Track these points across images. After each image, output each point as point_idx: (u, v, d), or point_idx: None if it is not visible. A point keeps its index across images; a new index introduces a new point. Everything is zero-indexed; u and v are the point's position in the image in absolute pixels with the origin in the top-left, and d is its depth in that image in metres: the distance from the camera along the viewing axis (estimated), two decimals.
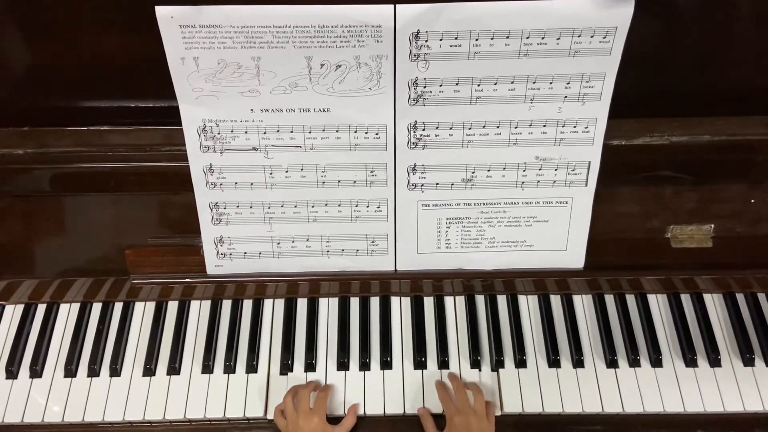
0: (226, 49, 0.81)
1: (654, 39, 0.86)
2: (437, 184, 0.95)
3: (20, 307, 1.09)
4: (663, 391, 1.00)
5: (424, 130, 0.90)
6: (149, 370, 1.03)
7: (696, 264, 1.03)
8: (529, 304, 1.08)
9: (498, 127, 0.90)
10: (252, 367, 1.03)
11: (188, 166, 0.92)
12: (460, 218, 0.98)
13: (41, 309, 1.09)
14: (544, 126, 0.90)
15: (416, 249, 1.01)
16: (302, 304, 1.09)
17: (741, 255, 1.02)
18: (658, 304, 1.08)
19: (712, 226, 1.00)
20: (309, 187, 0.95)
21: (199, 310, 1.09)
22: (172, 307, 1.09)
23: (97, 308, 1.09)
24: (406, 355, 1.04)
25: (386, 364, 1.02)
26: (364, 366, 1.02)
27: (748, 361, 1.02)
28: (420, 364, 1.02)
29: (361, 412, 0.99)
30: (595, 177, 0.94)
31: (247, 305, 1.09)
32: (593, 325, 1.06)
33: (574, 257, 1.01)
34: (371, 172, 0.94)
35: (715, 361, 1.02)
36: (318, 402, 0.96)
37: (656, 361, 1.02)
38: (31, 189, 0.99)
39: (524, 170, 0.93)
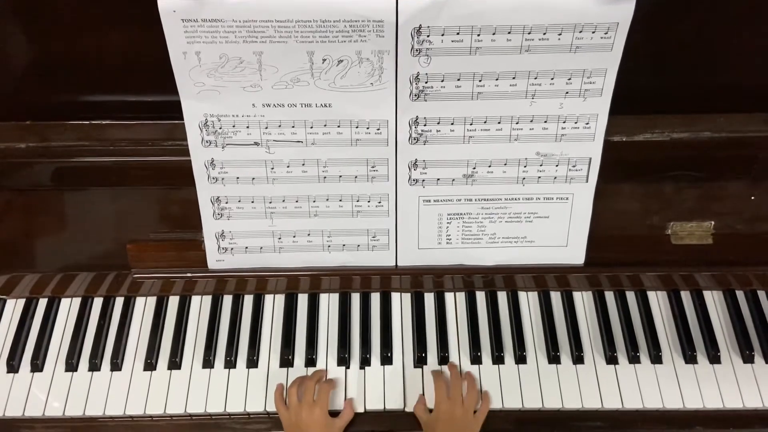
0: (228, 43, 0.81)
1: (655, 35, 0.86)
2: (438, 179, 0.95)
3: (21, 302, 1.09)
4: (662, 387, 1.00)
5: (425, 125, 0.90)
6: (150, 365, 1.03)
7: (696, 261, 1.03)
8: (529, 301, 1.08)
9: (499, 122, 0.90)
10: (252, 362, 1.03)
11: (190, 160, 0.93)
12: (461, 214, 0.98)
13: (42, 303, 1.09)
14: (545, 122, 0.90)
15: (417, 244, 1.01)
16: (303, 300, 1.09)
17: (741, 252, 1.02)
18: (658, 301, 1.08)
19: (713, 222, 1.00)
20: (310, 182, 0.95)
21: (200, 305, 1.09)
22: (173, 301, 1.09)
23: (98, 303, 1.09)
24: (407, 350, 1.04)
25: (386, 360, 1.03)
26: (365, 361, 1.03)
27: (748, 358, 1.02)
28: (420, 359, 1.03)
29: (361, 407, 0.99)
30: (596, 173, 0.94)
31: (248, 300, 1.09)
32: (593, 322, 1.06)
33: (575, 253, 1.01)
34: (372, 167, 0.94)
35: (714, 357, 1.02)
36: (321, 394, 0.97)
37: (656, 358, 1.02)
38: (33, 183, 0.99)
39: (525, 166, 0.93)
